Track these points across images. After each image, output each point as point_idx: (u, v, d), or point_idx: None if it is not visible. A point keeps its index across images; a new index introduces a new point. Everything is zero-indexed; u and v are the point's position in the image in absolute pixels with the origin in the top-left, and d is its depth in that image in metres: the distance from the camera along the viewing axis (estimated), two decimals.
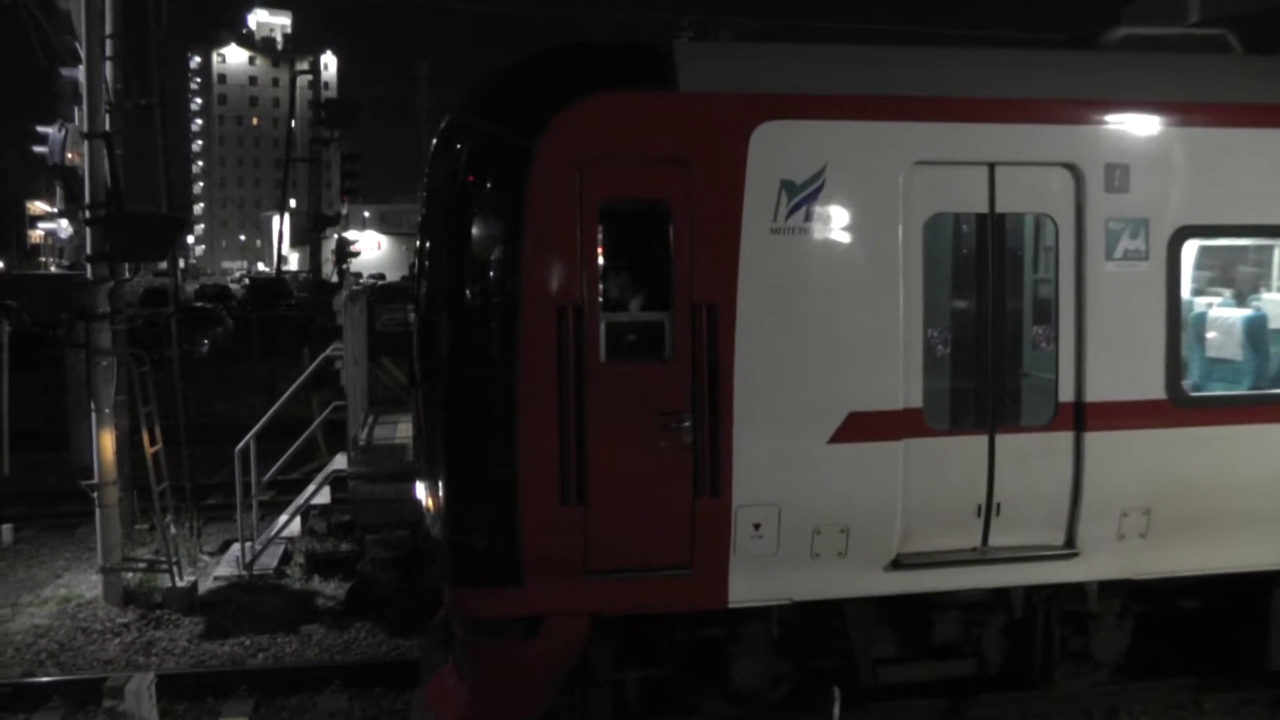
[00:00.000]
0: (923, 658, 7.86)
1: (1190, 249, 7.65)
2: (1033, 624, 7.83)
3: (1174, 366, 7.45)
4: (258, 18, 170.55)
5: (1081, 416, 7.35)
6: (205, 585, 11.89)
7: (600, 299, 6.87)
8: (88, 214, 11.67)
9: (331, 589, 11.89)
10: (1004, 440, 7.32)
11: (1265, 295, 8.30)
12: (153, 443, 11.98)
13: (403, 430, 13.69)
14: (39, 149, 12.86)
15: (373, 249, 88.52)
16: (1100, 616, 7.94)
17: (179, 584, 11.41)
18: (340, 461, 13.30)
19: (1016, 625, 7.88)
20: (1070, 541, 7.47)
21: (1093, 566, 7.55)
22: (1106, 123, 7.39)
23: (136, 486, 13.38)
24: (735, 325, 6.88)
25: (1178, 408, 7.47)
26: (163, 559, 11.64)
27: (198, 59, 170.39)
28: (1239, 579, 7.91)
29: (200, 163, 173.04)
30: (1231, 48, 8.35)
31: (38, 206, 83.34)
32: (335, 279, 34.25)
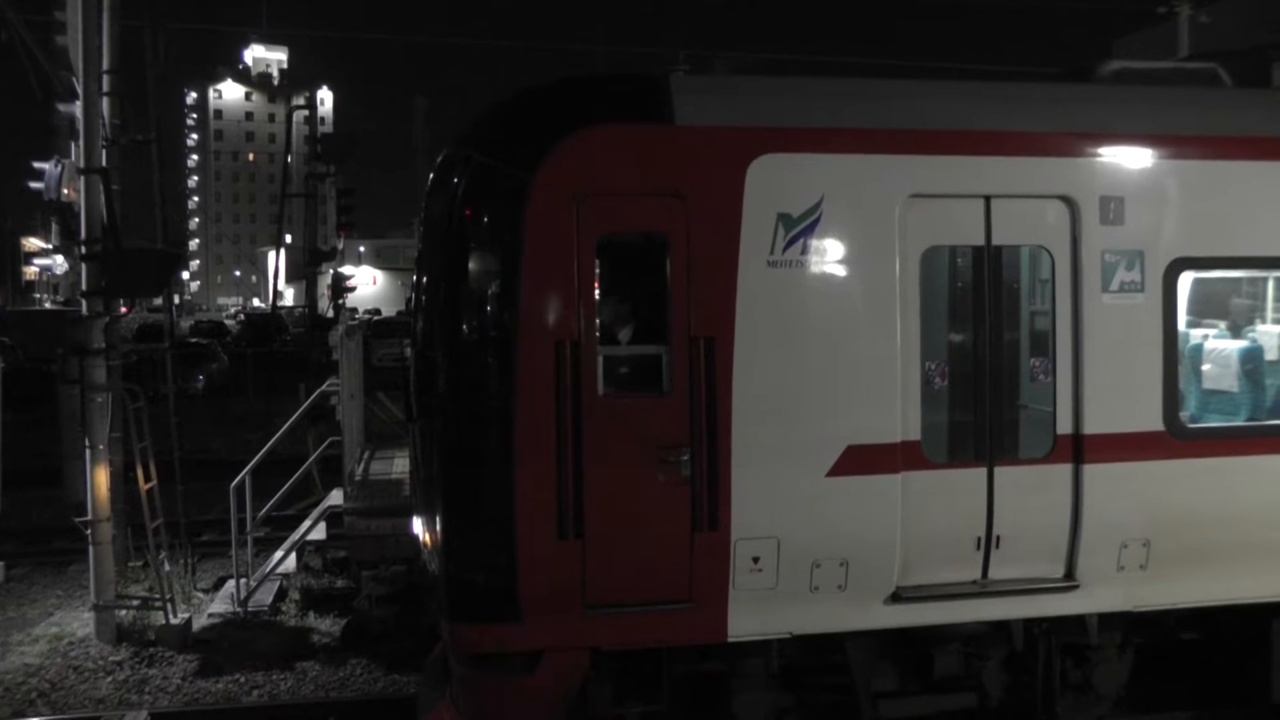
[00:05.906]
0: (924, 691, 7.80)
1: (1186, 281, 7.67)
2: (1034, 657, 7.79)
3: (1171, 398, 7.45)
4: (254, 53, 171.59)
5: (1080, 448, 7.34)
6: (199, 622, 11.80)
7: (598, 332, 6.87)
8: (84, 249, 11.67)
9: (327, 625, 11.80)
10: (1003, 473, 7.31)
11: (1260, 327, 8.33)
12: (147, 479, 11.91)
13: (399, 465, 13.63)
14: (35, 185, 12.87)
15: (368, 284, 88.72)
16: (1101, 649, 7.90)
17: (173, 621, 11.32)
18: (336, 497, 13.23)
19: (1018, 658, 7.83)
20: (1070, 574, 7.44)
21: (1093, 599, 7.52)
22: (1101, 155, 7.43)
23: (130, 523, 13.31)
24: (733, 358, 6.87)
25: (1175, 439, 7.46)
26: (156, 596, 11.55)
27: (194, 94, 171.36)
28: (1241, 611, 7.88)
29: (196, 198, 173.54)
30: (1222, 81, 8.43)
31: (32, 243, 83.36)
32: (331, 314, 34.26)
